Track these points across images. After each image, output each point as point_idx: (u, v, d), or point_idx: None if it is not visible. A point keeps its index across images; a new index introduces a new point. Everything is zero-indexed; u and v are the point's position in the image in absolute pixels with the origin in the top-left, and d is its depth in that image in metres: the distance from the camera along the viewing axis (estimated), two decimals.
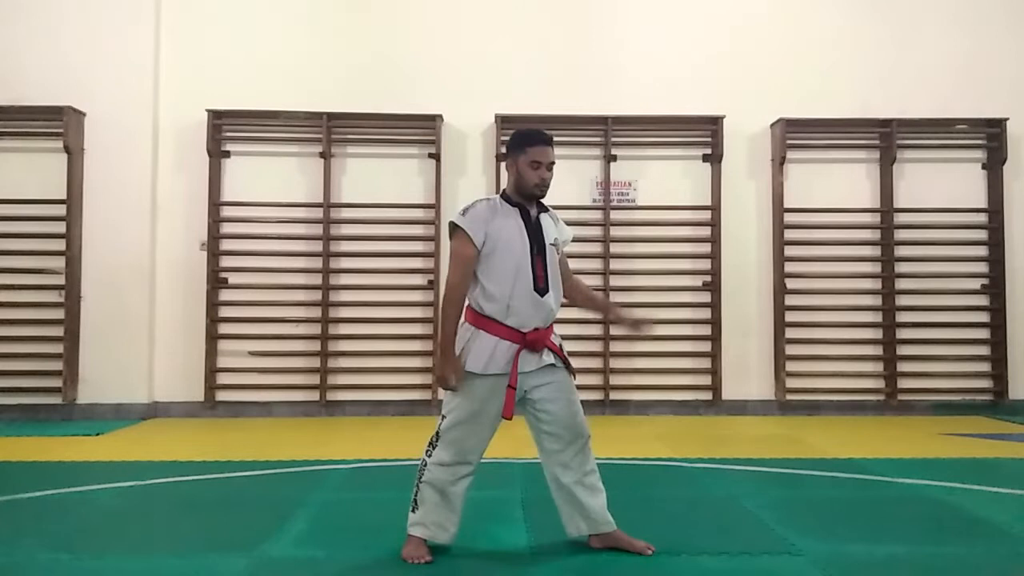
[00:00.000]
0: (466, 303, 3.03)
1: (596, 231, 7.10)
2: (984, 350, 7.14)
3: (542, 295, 2.99)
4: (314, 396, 6.92)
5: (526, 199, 3.08)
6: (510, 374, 2.95)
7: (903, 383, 7.04)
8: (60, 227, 6.72)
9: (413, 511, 3.06)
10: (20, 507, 3.86)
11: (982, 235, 7.18)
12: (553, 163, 3.07)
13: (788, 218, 7.08)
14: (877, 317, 7.15)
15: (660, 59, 7.20)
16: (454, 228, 3.02)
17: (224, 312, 6.98)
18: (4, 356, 6.73)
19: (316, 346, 6.94)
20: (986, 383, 7.09)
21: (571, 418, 3.06)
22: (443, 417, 3.03)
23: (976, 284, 7.15)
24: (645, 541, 3.13)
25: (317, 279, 6.98)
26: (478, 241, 2.96)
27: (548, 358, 3.02)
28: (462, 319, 3.02)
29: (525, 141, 3.07)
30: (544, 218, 3.11)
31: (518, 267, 2.97)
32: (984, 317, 7.14)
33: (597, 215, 7.10)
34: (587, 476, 3.10)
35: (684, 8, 7.30)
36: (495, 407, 2.97)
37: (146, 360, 6.87)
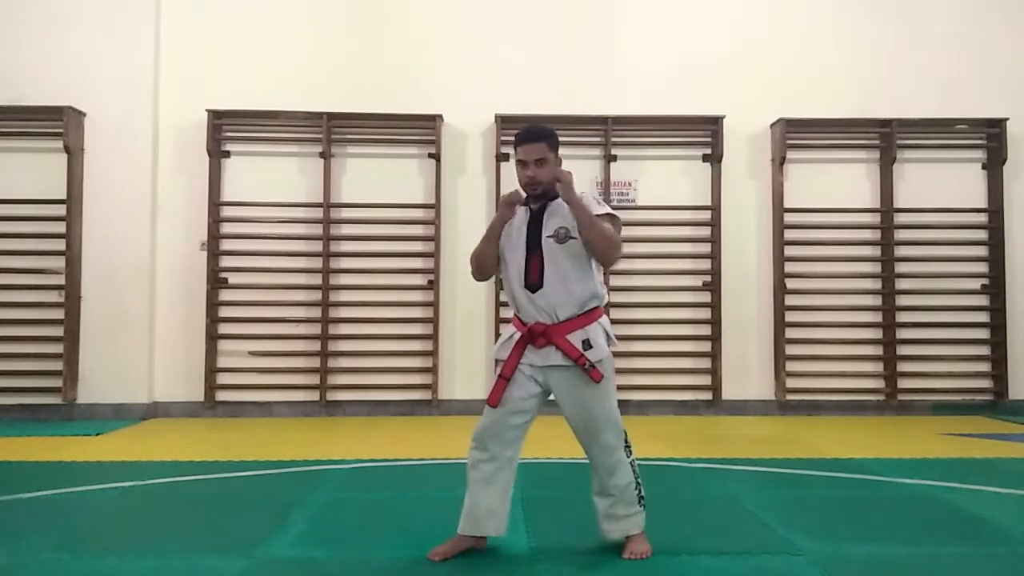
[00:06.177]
0: None
1: None
2: (984, 350, 7.14)
3: (533, 291, 2.97)
4: (314, 396, 6.92)
5: (531, 197, 3.05)
6: (505, 363, 2.99)
7: (903, 383, 7.04)
8: (60, 227, 6.71)
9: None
10: (20, 507, 3.86)
11: (982, 235, 7.18)
12: (541, 159, 2.97)
13: (788, 218, 7.08)
14: (877, 317, 7.15)
15: (660, 59, 7.20)
16: None
17: (224, 312, 6.98)
18: (4, 356, 6.73)
19: (316, 346, 6.94)
20: (986, 383, 7.09)
21: (578, 420, 3.02)
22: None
23: (976, 284, 7.15)
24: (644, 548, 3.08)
25: (317, 279, 6.98)
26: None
27: (556, 358, 2.96)
28: None
29: (515, 141, 3.08)
30: (552, 207, 3.03)
31: (515, 263, 3.02)
32: (984, 317, 7.14)
33: None
34: (611, 487, 3.04)
35: (684, 8, 7.30)
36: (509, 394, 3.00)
37: (146, 360, 6.87)
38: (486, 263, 3.12)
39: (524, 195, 3.04)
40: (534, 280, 2.97)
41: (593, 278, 3.02)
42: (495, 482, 3.03)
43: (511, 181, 7.42)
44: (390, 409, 6.94)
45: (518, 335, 3.01)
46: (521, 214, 3.07)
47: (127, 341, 6.81)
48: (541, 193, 3.02)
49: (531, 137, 3.02)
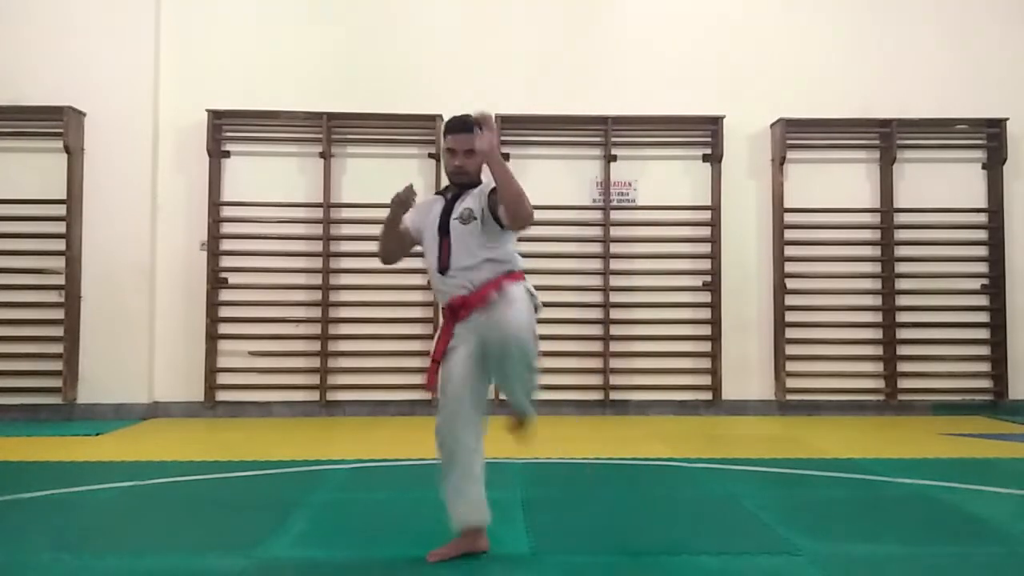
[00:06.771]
0: None
1: (596, 231, 7.10)
2: (984, 350, 7.14)
3: (444, 273, 3.02)
4: (314, 396, 6.92)
5: (455, 185, 3.11)
6: (435, 347, 3.09)
7: (903, 383, 7.04)
8: (60, 227, 6.71)
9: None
10: (20, 507, 3.86)
11: (982, 235, 7.18)
12: (471, 150, 2.97)
13: (788, 218, 7.08)
14: (877, 317, 7.15)
15: (660, 59, 7.20)
16: None
17: (224, 312, 6.98)
18: (4, 356, 6.73)
19: (316, 346, 6.94)
20: (986, 383, 7.09)
21: (494, 346, 2.94)
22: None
23: (976, 284, 7.15)
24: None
25: (317, 279, 6.98)
26: (410, 229, 3.17)
27: (476, 315, 2.95)
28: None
29: (445, 128, 3.11)
30: (467, 196, 3.07)
31: (431, 250, 3.08)
32: (984, 317, 7.14)
33: (597, 215, 7.10)
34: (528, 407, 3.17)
35: (684, 8, 7.30)
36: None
37: (146, 360, 6.87)
38: (386, 254, 3.24)
39: (414, 195, 3.06)
40: (444, 263, 3.01)
41: (503, 249, 3.01)
42: (470, 471, 3.12)
43: None
44: (390, 409, 6.94)
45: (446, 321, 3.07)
46: (439, 204, 3.13)
47: (127, 341, 6.81)
48: (467, 183, 3.07)
49: (463, 127, 3.02)
